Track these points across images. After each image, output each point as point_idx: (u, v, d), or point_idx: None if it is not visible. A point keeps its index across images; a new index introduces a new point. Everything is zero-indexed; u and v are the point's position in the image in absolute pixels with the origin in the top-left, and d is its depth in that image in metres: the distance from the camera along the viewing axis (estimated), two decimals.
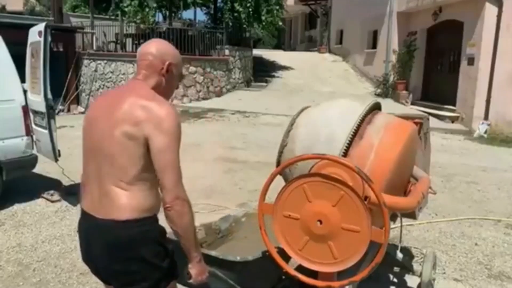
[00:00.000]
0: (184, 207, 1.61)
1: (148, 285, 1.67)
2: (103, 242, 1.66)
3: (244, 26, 15.14)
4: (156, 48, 1.78)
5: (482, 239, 4.26)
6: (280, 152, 2.64)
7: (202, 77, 13.38)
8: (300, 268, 2.24)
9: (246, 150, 7.84)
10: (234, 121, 10.87)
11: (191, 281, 1.73)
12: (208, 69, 13.52)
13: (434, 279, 3.14)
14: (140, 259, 1.65)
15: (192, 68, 13.04)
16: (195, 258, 1.70)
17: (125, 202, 1.64)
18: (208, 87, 13.63)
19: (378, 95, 14.69)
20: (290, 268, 2.20)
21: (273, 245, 2.19)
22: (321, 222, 2.03)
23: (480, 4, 10.84)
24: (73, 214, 4.51)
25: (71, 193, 5.00)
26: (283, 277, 2.34)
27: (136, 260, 1.65)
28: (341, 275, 2.23)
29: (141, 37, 14.07)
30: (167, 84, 1.79)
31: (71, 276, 3.30)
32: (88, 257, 1.78)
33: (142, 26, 14.02)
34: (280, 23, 17.11)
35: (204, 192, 5.35)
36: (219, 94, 13.85)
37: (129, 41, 14.25)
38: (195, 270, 1.72)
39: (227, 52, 14.36)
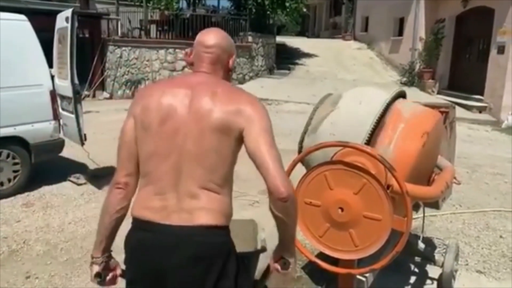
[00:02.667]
0: (295, 199, 1.47)
1: None
2: (189, 253, 1.40)
3: (268, 12, 15.01)
4: (222, 40, 1.60)
5: (508, 231, 4.17)
6: (302, 139, 2.64)
7: None
8: (320, 256, 2.25)
9: None
10: None
11: (283, 272, 1.56)
12: None
13: (456, 270, 3.11)
14: (228, 271, 1.44)
15: None
16: (293, 251, 1.55)
17: (217, 206, 1.45)
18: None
19: (404, 83, 14.41)
20: (311, 255, 2.22)
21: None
22: (342, 209, 2.04)
23: None
24: (98, 197, 4.61)
25: (97, 176, 5.11)
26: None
27: (224, 274, 1.43)
28: (361, 262, 2.24)
29: (165, 23, 14.15)
30: (228, 78, 1.65)
31: None
32: (156, 283, 1.45)
33: (166, 12, 14.07)
34: (304, 10, 16.91)
35: None
36: (241, 81, 13.84)
37: (153, 28, 14.33)
38: (291, 261, 1.55)
39: (250, 39, 14.30)
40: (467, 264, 3.46)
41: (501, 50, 11.05)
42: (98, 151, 5.99)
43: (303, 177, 2.16)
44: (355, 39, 21.06)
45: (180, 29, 13.32)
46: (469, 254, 3.65)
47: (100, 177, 5.13)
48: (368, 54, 18.59)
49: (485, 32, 11.72)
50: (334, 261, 2.19)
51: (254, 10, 14.56)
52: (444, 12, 13.76)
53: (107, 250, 1.62)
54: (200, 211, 1.42)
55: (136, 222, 1.49)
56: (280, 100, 11.59)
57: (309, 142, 2.57)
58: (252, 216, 4.19)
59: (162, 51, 12.62)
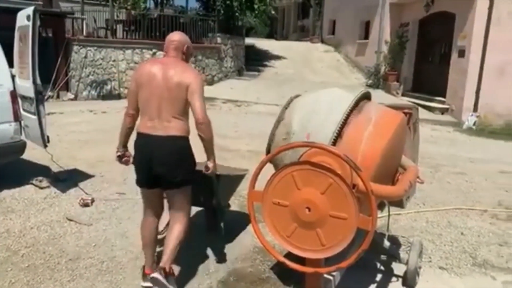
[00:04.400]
0: (209, 123, 2.70)
1: (186, 179, 2.80)
2: (167, 149, 2.73)
3: (237, 14, 15.03)
4: (180, 37, 2.93)
5: (468, 228, 4.32)
6: (270, 140, 2.65)
7: (193, 65, 13.28)
8: (288, 255, 2.27)
9: (238, 139, 7.84)
10: (225, 110, 10.84)
11: (208, 172, 2.83)
12: (199, 57, 13.43)
13: (420, 267, 3.20)
14: (184, 159, 2.80)
15: None
16: (212, 157, 2.82)
17: (180, 126, 2.75)
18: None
19: (370, 86, 14.74)
20: (279, 255, 2.23)
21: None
22: (309, 209, 2.06)
23: None
24: (62, 200, 4.49)
25: (60, 180, 4.97)
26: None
27: (183, 160, 2.79)
28: (328, 261, 2.27)
29: (132, 23, 13.92)
30: (186, 59, 2.95)
31: (60, 261, 3.30)
32: (150, 165, 2.75)
33: (133, 12, 13.85)
34: (273, 12, 17.04)
35: None
36: (210, 82, 13.78)
37: (119, 28, 14.07)
38: (212, 164, 2.81)
39: (219, 40, 14.27)
40: (430, 261, 3.56)
41: (461, 53, 11.47)
42: (62, 153, 5.82)
43: (272, 177, 2.17)
44: (322, 42, 21.40)
45: (148, 30, 13.14)
46: (432, 251, 3.76)
47: (63, 180, 4.99)
48: (335, 57, 18.90)
49: (447, 36, 12.15)
50: (302, 261, 2.21)
51: (222, 12, 14.56)
52: (408, 16, 14.16)
53: (125, 145, 2.98)
54: (171, 129, 2.72)
55: (139, 134, 2.81)
56: (249, 102, 11.62)
57: (278, 143, 2.59)
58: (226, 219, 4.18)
59: (128, 52, 12.41)
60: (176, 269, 3.02)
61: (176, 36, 2.90)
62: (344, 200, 2.01)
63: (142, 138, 2.77)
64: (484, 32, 10.83)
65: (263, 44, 20.94)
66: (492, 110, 11.01)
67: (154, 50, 12.43)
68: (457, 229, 4.30)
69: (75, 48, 12.26)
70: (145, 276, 2.84)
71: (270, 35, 30.58)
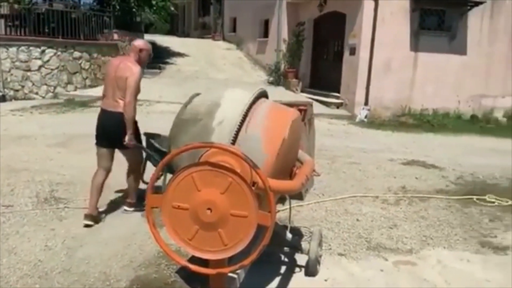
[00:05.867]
0: (131, 105, 3.84)
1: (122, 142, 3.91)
2: (113, 121, 3.88)
3: (134, 10, 14.48)
4: (137, 42, 4.10)
5: (363, 214, 4.66)
6: (170, 142, 2.59)
7: (88, 63, 12.55)
8: (193, 259, 2.23)
9: None
10: None
11: (125, 143, 3.88)
12: (95, 55, 12.71)
13: (320, 256, 3.37)
14: (122, 128, 3.84)
15: (76, 53, 12.15)
16: (129, 131, 3.86)
17: (122, 105, 3.85)
18: (95, 74, 12.82)
19: (271, 83, 15.17)
20: (181, 259, 2.18)
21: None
22: (210, 210, 2.04)
23: None
24: None
25: None
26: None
27: (122, 129, 3.84)
28: (232, 260, 2.27)
29: (16, 18, 12.68)
30: (140, 59, 4.04)
31: None
32: (103, 131, 3.99)
33: (16, 6, 12.62)
34: (172, 8, 16.73)
35: None
36: None
37: (1, 23, 12.74)
38: (128, 137, 3.87)
39: (116, 36, 13.64)
40: (330, 248, 3.77)
41: (352, 51, 12.30)
42: None
43: (171, 180, 2.10)
44: (224, 39, 21.54)
45: (35, 25, 12.08)
46: (332, 239, 3.98)
47: None
48: (237, 54, 19.14)
49: (339, 34, 12.94)
50: (207, 262, 2.19)
51: (118, 7, 13.91)
52: (303, 15, 14.82)
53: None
54: (117, 107, 3.86)
55: (100, 109, 4.07)
56: (151, 101, 11.26)
57: (177, 144, 2.53)
58: (125, 225, 4.00)
59: (13, 49, 11.29)
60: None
61: (135, 42, 4.13)
62: (244, 198, 2.02)
63: (101, 112, 4.05)
64: (371, 31, 11.73)
65: (164, 41, 20.45)
66: (381, 103, 12.00)
67: (43, 48, 11.49)
68: (353, 216, 4.60)
69: None
70: (86, 216, 3.97)
71: (171, 32, 30.05)
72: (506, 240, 4.14)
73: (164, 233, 2.10)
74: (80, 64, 12.27)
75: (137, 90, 3.87)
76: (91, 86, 12.55)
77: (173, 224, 2.09)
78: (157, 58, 16.74)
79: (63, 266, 3.24)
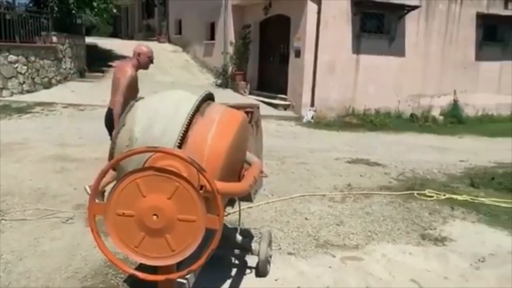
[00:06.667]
0: (119, 103, 4.21)
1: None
2: (109, 117, 4.42)
3: (73, 11, 13.93)
4: (137, 48, 4.53)
5: (311, 213, 4.76)
6: (112, 148, 2.51)
7: (25, 67, 11.89)
8: (141, 266, 2.18)
9: (82, 146, 7.28)
10: (66, 115, 9.99)
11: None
12: (32, 58, 12.08)
13: (270, 256, 3.40)
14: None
15: (12, 57, 11.48)
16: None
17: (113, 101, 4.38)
18: (33, 78, 12.19)
19: (219, 85, 15.15)
20: (127, 267, 2.12)
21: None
22: (157, 216, 2.00)
23: (303, 1, 11.96)
24: None
25: None
26: None
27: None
28: (182, 265, 2.24)
29: None
30: (139, 62, 4.48)
31: None
32: (105, 126, 4.50)
33: None
34: (115, 10, 16.25)
35: (33, 196, 4.81)
36: (47, 85, 12.53)
37: None
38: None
39: (54, 39, 13.04)
40: (280, 248, 3.81)
41: (297, 54, 12.53)
42: None
43: (114, 187, 2.04)
44: (170, 41, 21.24)
45: None
46: (281, 239, 4.03)
47: None
48: (183, 57, 18.94)
49: (285, 37, 13.15)
50: (156, 269, 2.14)
51: (56, 8, 13.31)
52: (249, 18, 14.93)
53: None
54: (112, 104, 4.43)
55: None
56: (95, 105, 10.87)
57: (120, 150, 2.46)
58: (68, 236, 3.84)
59: None
60: None
61: (136, 47, 4.58)
62: (192, 203, 2.00)
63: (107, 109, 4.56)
64: (315, 34, 12.02)
65: (107, 43, 19.86)
66: (326, 104, 12.33)
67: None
68: (302, 215, 4.69)
69: None
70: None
71: (115, 34, 29.21)
72: (444, 231, 4.39)
73: (110, 242, 2.04)
74: (16, 68, 11.61)
75: (130, 90, 4.31)
76: (28, 91, 11.90)
77: (118, 232, 2.04)
78: (99, 61, 16.26)
79: (2, 283, 3.05)
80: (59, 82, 13.10)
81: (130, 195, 2.01)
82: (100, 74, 15.05)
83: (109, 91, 4.50)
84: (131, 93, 4.26)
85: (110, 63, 16.51)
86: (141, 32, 26.65)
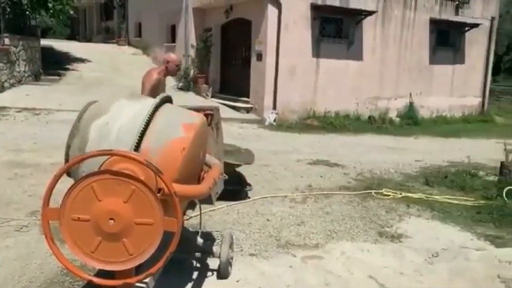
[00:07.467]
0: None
1: None
2: None
3: (27, 12, 13.43)
4: (164, 55, 4.97)
5: (273, 214, 4.81)
6: (67, 151, 2.45)
7: None
8: (100, 272, 2.14)
9: (37, 152, 7.03)
10: (20, 120, 9.60)
11: None
12: None
13: (232, 258, 3.41)
14: None
15: None
16: None
17: None
18: None
19: (181, 88, 15.00)
20: (83, 273, 2.08)
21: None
22: (113, 220, 1.97)
23: (263, 5, 12.07)
24: None
25: None
26: None
27: None
28: (141, 269, 2.22)
29: None
30: (168, 69, 4.81)
31: None
32: None
33: None
34: (72, 12, 15.79)
35: None
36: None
37: None
38: None
39: (7, 41, 12.49)
40: (241, 250, 3.83)
41: (259, 57, 12.62)
42: None
43: (68, 191, 2.00)
44: (129, 44, 20.86)
45: None
46: (243, 240, 4.05)
47: None
48: (144, 60, 18.63)
49: (246, 40, 13.21)
50: (111, 274, 2.11)
51: (9, 9, 12.79)
52: (210, 21, 14.89)
53: None
54: None
55: None
56: (51, 109, 10.53)
57: (75, 154, 2.41)
58: (22, 244, 3.71)
59: None
60: None
61: (165, 55, 4.94)
62: (149, 206, 1.99)
63: None
64: (276, 38, 12.15)
65: (63, 46, 19.28)
66: (288, 107, 12.48)
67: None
68: (264, 216, 4.73)
69: None
70: None
71: (72, 37, 28.39)
72: (400, 228, 4.55)
73: (67, 249, 2.00)
74: None
75: (154, 93, 4.36)
76: None
77: (74, 238, 2.00)
78: (56, 64, 15.75)
79: None
80: (12, 85, 12.56)
81: (85, 199, 1.98)
82: (57, 78, 14.56)
83: (66, 94, 4.41)
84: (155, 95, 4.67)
85: (67, 66, 16.05)
86: (100, 34, 26.01)
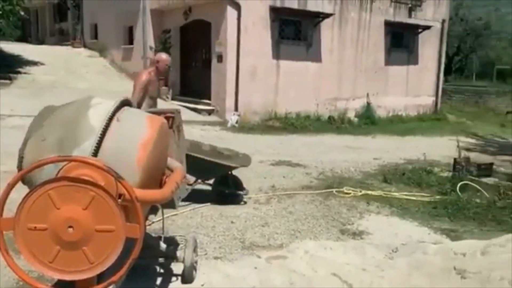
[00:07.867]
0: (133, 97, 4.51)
1: None
2: None
3: None
4: (156, 55, 5.25)
5: (237, 216, 4.80)
6: (21, 158, 2.35)
7: None
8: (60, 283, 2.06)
9: None
10: None
11: None
12: None
13: (196, 262, 3.38)
14: None
15: None
16: None
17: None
18: None
19: None
20: (41, 284, 2.00)
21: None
22: (72, 228, 1.91)
23: (223, 7, 12.05)
24: None
25: None
26: None
27: None
28: (104, 277, 2.16)
29: None
30: (158, 69, 4.88)
31: None
32: None
33: None
34: (23, 13, 15.15)
35: None
36: None
37: None
38: None
39: None
40: (206, 253, 3.80)
41: (219, 59, 12.59)
42: None
43: (23, 200, 1.92)
44: (85, 46, 20.26)
45: None
46: (207, 244, 4.02)
47: None
48: (100, 62, 18.17)
49: (206, 42, 13.15)
50: (71, 284, 2.04)
51: None
52: (169, 23, 14.71)
53: None
54: None
55: None
56: (2, 115, 10.05)
57: (30, 160, 2.31)
58: None
59: None
60: None
61: (156, 55, 4.95)
62: (110, 212, 1.94)
63: None
64: (236, 39, 12.17)
65: (14, 48, 18.46)
66: (249, 108, 12.52)
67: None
68: (228, 219, 4.72)
69: None
70: None
71: (23, 39, 27.22)
72: (361, 226, 4.66)
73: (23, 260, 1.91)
74: None
75: (144, 93, 4.64)
76: None
77: (30, 248, 1.92)
78: (6, 67, 15.04)
79: None
80: None
81: (42, 208, 1.91)
82: (7, 81, 13.92)
83: (18, 99, 4.24)
84: (147, 96, 4.75)
85: (19, 69, 15.38)
86: (53, 36, 25.10)
